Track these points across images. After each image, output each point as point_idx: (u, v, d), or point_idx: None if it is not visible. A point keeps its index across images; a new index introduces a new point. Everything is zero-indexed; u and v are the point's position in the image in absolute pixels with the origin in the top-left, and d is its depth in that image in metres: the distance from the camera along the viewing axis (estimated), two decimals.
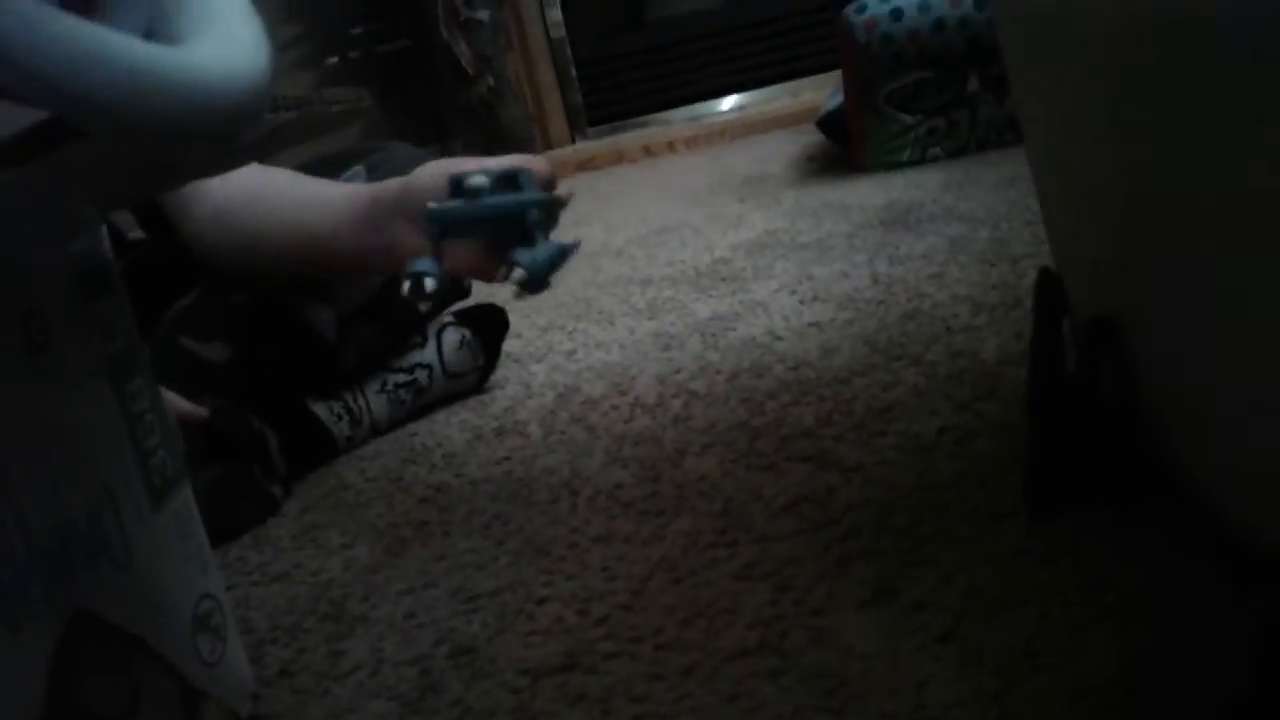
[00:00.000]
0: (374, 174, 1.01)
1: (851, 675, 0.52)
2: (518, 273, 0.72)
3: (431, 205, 0.75)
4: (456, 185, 0.75)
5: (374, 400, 1.03)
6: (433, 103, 2.92)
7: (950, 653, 0.52)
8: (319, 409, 0.99)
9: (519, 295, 0.73)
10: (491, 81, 2.89)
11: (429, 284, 0.73)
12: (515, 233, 0.74)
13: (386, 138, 1.10)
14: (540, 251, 0.73)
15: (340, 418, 1.00)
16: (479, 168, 0.77)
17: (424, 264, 0.73)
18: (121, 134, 0.32)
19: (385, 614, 0.68)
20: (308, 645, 0.66)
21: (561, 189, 0.80)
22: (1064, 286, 0.70)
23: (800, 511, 0.70)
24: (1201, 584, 0.52)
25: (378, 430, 1.03)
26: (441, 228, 0.75)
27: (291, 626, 0.69)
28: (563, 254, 0.74)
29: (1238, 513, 0.52)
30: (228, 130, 0.34)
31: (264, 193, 0.95)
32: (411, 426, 1.04)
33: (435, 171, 0.81)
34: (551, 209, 0.75)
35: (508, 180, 0.74)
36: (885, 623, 0.55)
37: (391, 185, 0.85)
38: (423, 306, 0.76)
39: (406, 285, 0.73)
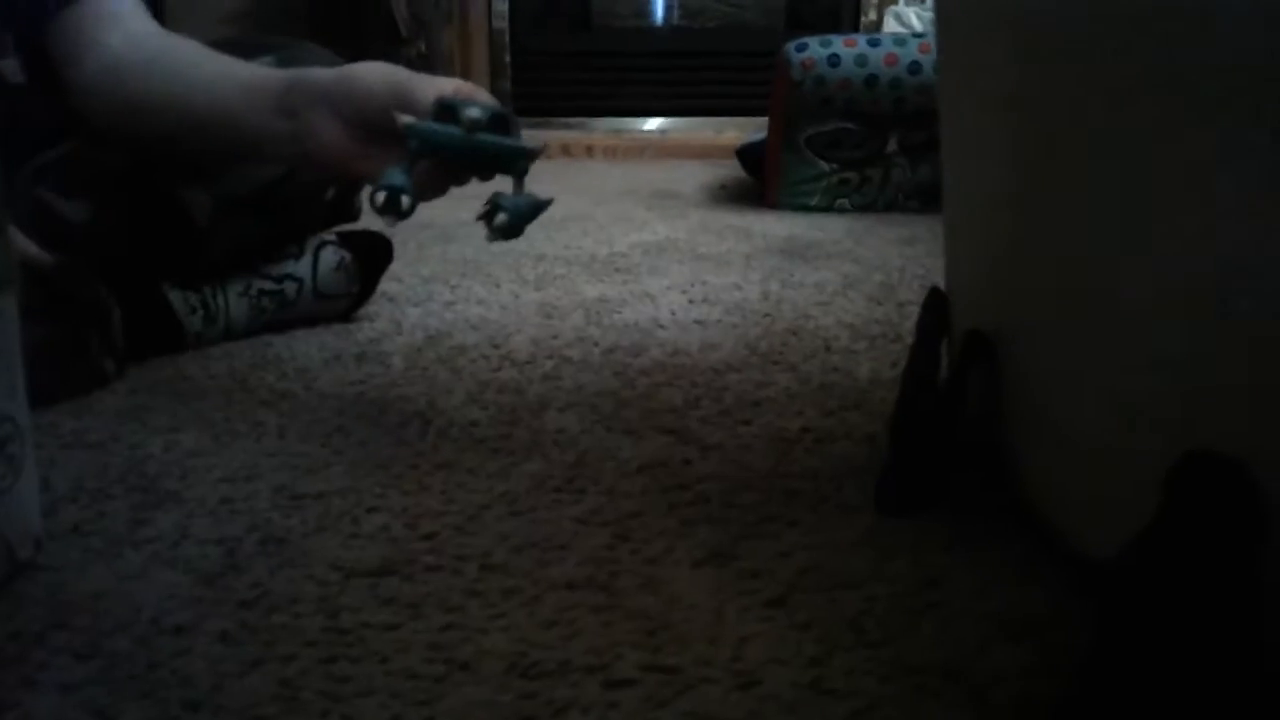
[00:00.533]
0: (284, 67, 0.96)
1: (675, 621, 0.50)
2: (500, 217, 0.68)
3: (412, 122, 0.68)
4: (447, 110, 0.68)
5: (234, 301, 0.97)
6: (357, 55, 2.85)
7: (778, 616, 0.51)
8: (174, 296, 0.94)
9: (492, 239, 0.70)
10: (423, 48, 2.84)
11: (404, 202, 0.67)
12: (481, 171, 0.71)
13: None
14: (522, 200, 0.70)
15: (194, 310, 0.95)
16: (437, 90, 0.70)
17: (398, 178, 0.67)
18: None
19: (199, 495, 0.64)
20: (108, 510, 0.62)
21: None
22: (949, 307, 0.71)
23: (652, 474, 0.68)
24: (1039, 591, 0.52)
25: (232, 333, 0.98)
26: (423, 146, 0.68)
27: (95, 491, 0.64)
28: (539, 207, 0.71)
29: (1072, 524, 0.53)
30: None
31: (164, 59, 0.89)
32: (267, 336, 0.99)
33: (377, 74, 0.74)
34: (537, 157, 0.71)
35: (499, 120, 0.69)
36: (718, 582, 0.54)
37: (318, 74, 0.78)
38: (389, 223, 0.69)
39: (381, 198, 0.67)
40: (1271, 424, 0.39)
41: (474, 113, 0.67)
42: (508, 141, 0.69)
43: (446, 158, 0.70)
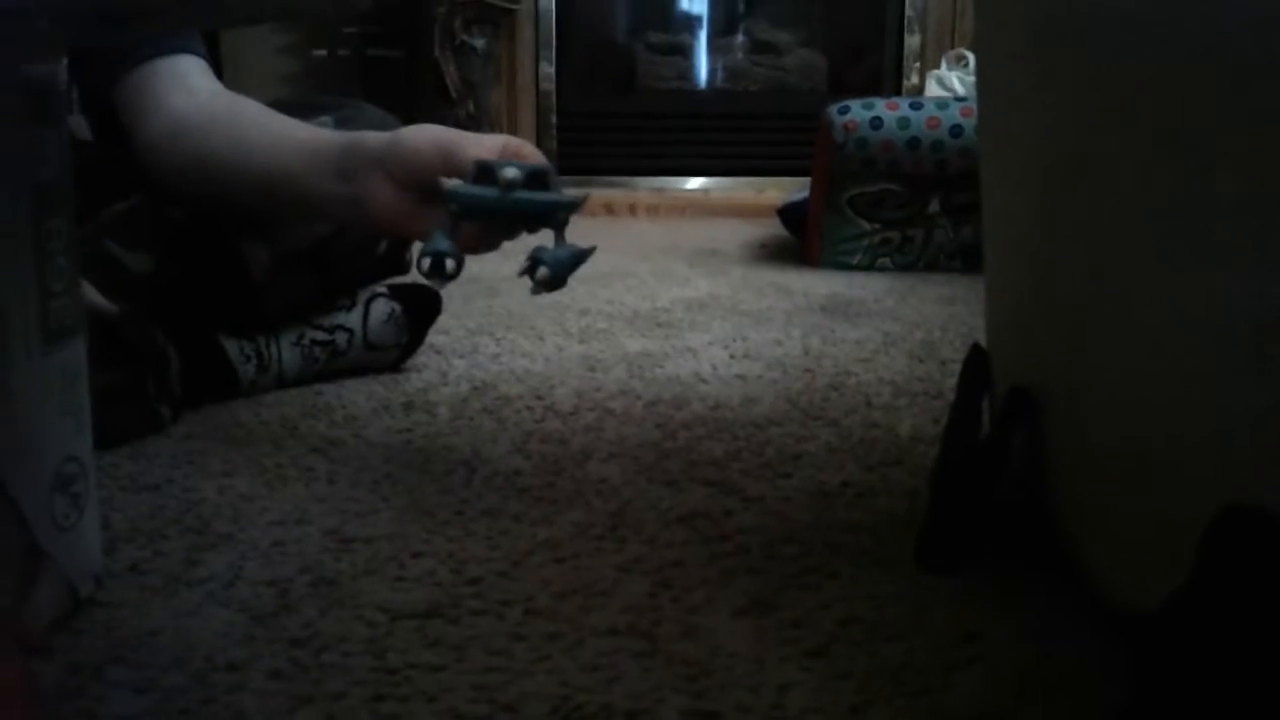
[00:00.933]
0: (341, 127, 1.00)
1: (716, 669, 0.51)
2: (542, 271, 0.71)
3: (452, 185, 0.70)
4: (485, 172, 0.71)
5: (287, 351, 1.00)
6: (410, 115, 2.92)
7: (818, 666, 0.51)
8: (229, 345, 0.96)
9: (536, 292, 0.72)
10: (472, 108, 2.90)
11: (449, 266, 0.70)
12: (523, 227, 0.74)
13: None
14: (563, 252, 0.72)
15: (249, 359, 0.97)
16: (482, 149, 0.73)
17: (443, 244, 0.70)
18: None
19: (252, 538, 0.66)
20: (165, 550, 0.63)
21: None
22: (990, 363, 0.72)
23: (693, 524, 0.69)
24: (1078, 647, 0.53)
25: (284, 382, 1.00)
26: (462, 209, 0.71)
27: (152, 531, 0.66)
28: (581, 257, 0.73)
29: (1113, 580, 0.53)
30: None
31: (227, 119, 0.93)
32: (318, 385, 1.01)
33: (426, 137, 0.77)
34: (576, 209, 0.73)
35: (536, 178, 0.71)
36: (759, 631, 0.55)
37: (372, 138, 0.81)
38: (436, 285, 0.72)
39: (426, 264, 0.70)
40: None
41: (510, 173, 0.69)
42: (544, 197, 0.71)
43: (486, 218, 0.72)
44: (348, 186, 0.80)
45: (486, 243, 0.75)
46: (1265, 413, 0.41)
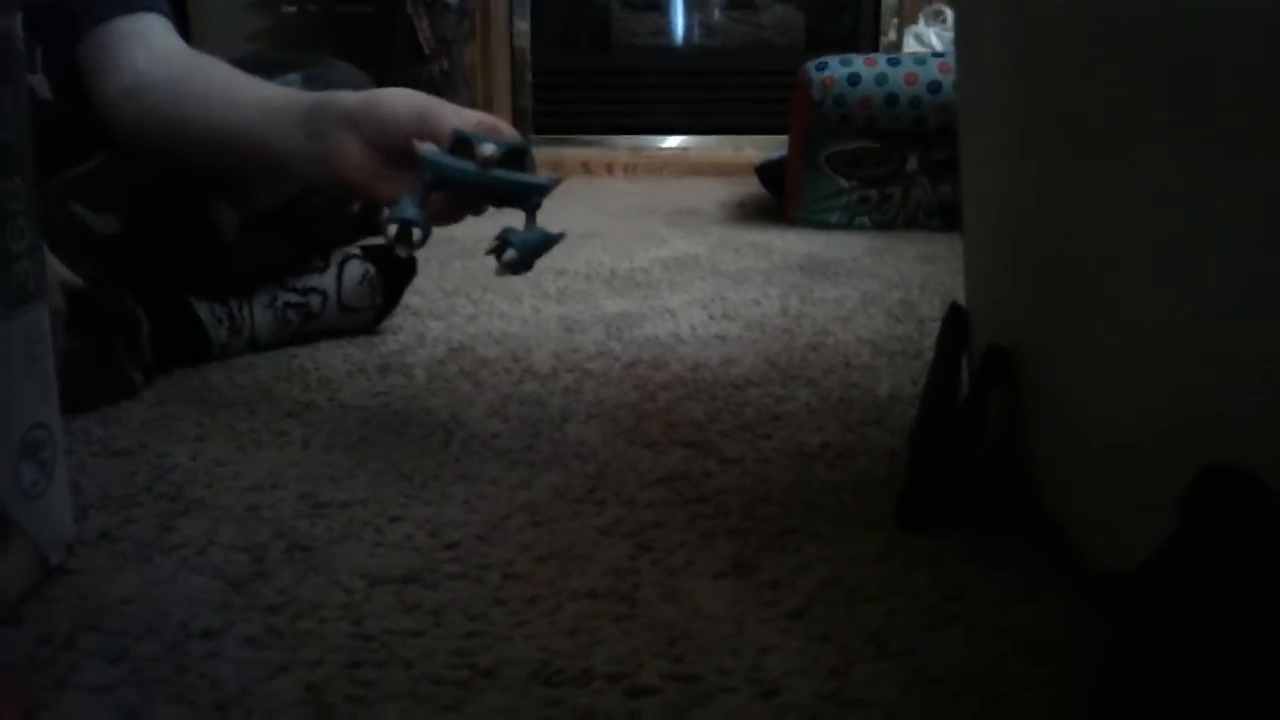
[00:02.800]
0: (310, 85, 0.97)
1: (695, 631, 0.51)
2: (510, 254, 0.70)
3: (428, 151, 0.69)
4: (462, 143, 0.69)
5: (259, 313, 0.99)
6: (382, 73, 2.88)
7: (798, 628, 0.51)
8: (200, 308, 0.95)
9: (501, 273, 0.71)
10: (446, 65, 2.86)
11: (416, 235, 0.69)
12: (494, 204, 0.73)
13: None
14: (532, 235, 0.71)
15: (221, 322, 0.96)
16: (461, 121, 0.72)
17: (410, 211, 0.69)
18: None
19: (226, 503, 0.65)
20: (136, 517, 0.62)
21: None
22: (969, 322, 0.71)
23: (673, 486, 0.68)
24: (1058, 605, 0.53)
25: (257, 345, 0.99)
26: (436, 179, 0.69)
27: (123, 498, 0.65)
28: (549, 242, 0.72)
29: (1092, 539, 0.53)
30: None
31: (191, 77, 0.90)
32: (292, 349, 1.00)
33: (403, 100, 0.75)
34: (549, 192, 0.71)
35: (513, 155, 0.70)
36: (739, 593, 0.54)
37: (346, 96, 0.79)
38: (401, 252, 0.71)
39: (393, 230, 0.69)
40: None
41: (489, 148, 0.68)
42: (520, 178, 0.70)
43: (458, 191, 0.71)
44: (316, 145, 0.78)
45: (453, 215, 0.74)
46: (1243, 369, 0.41)
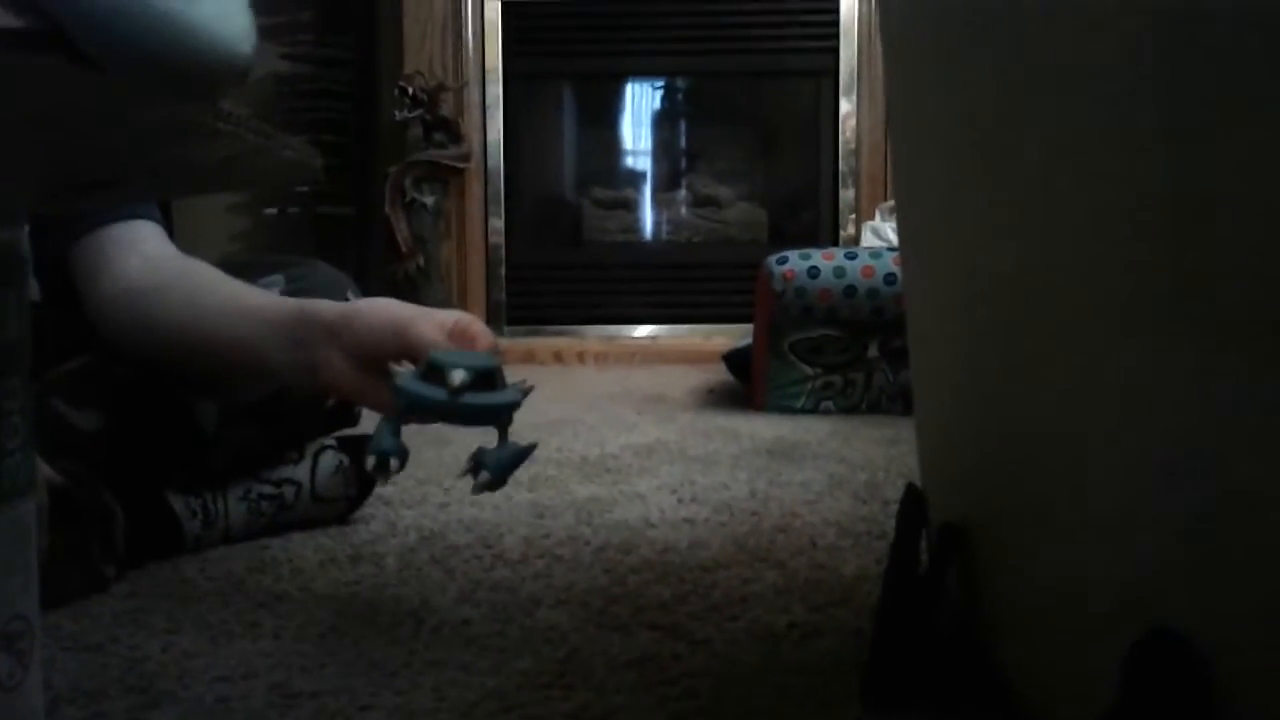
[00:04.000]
0: (292, 285, 1.02)
1: None
2: (484, 475, 0.74)
3: (402, 380, 0.72)
4: (435, 370, 0.72)
5: (234, 506, 1.00)
6: (361, 270, 2.98)
7: None
8: (175, 502, 0.96)
9: (477, 492, 0.75)
10: (421, 262, 2.96)
11: (393, 465, 0.73)
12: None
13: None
14: (504, 453, 0.74)
15: (195, 515, 0.97)
16: (436, 329, 0.76)
17: (388, 443, 0.73)
18: (141, 66, 0.33)
19: (196, 695, 0.65)
20: (106, 710, 0.63)
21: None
22: (926, 502, 0.74)
23: (642, 669, 0.69)
24: None
25: (230, 537, 1.00)
26: (409, 407, 0.73)
27: (94, 691, 0.65)
28: (521, 455, 0.76)
29: (1051, 708, 0.54)
30: (222, 73, 0.35)
31: (180, 283, 0.95)
32: (265, 540, 1.01)
33: (379, 313, 0.79)
34: (518, 407, 0.75)
35: (486, 376, 0.73)
36: None
37: (326, 307, 0.83)
38: (380, 482, 0.75)
39: (370, 462, 0.73)
40: (1223, 603, 0.42)
41: (459, 376, 0.71)
42: (490, 400, 0.73)
43: (431, 418, 0.75)
44: (301, 354, 0.82)
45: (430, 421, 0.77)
46: (1180, 542, 0.44)
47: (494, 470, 0.74)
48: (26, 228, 0.54)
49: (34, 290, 1.03)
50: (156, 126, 0.36)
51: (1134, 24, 0.42)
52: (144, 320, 0.93)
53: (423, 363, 0.73)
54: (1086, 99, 0.46)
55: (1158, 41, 0.40)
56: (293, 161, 0.49)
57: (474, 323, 0.79)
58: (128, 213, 0.97)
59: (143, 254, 0.96)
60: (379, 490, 1.15)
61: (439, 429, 0.83)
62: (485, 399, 0.73)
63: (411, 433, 0.74)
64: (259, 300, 0.89)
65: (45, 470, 0.82)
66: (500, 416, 0.74)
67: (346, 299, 1.04)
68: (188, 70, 0.34)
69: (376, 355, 0.77)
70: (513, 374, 0.77)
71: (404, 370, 0.73)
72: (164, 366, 0.94)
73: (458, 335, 0.77)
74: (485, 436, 0.75)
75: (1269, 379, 0.37)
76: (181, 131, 0.37)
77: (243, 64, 0.36)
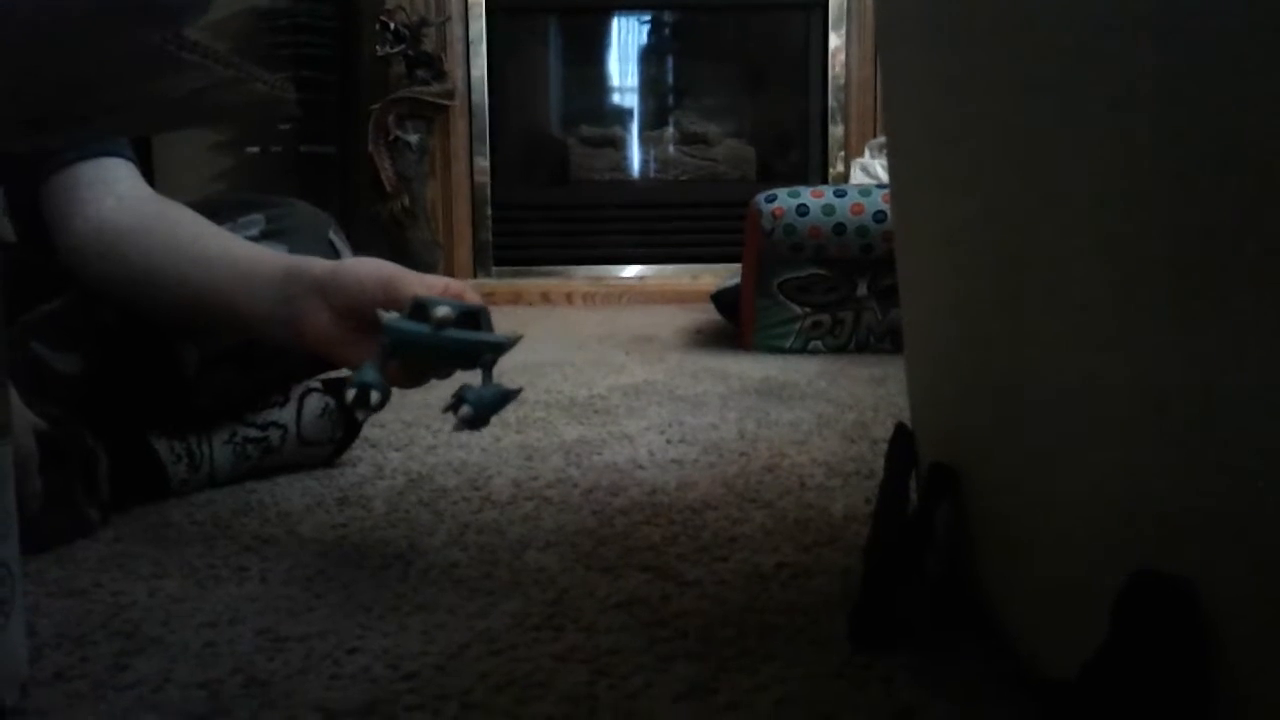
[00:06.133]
0: (272, 225, 1.01)
1: None
2: (465, 410, 0.72)
3: (388, 318, 0.73)
4: (420, 308, 0.73)
5: (219, 450, 0.99)
6: (345, 210, 2.94)
7: None
8: (159, 445, 0.95)
9: (458, 428, 0.73)
10: (407, 201, 2.93)
11: (374, 398, 0.72)
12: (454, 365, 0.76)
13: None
14: (487, 391, 0.73)
15: (179, 459, 0.96)
16: (422, 284, 0.75)
17: (370, 375, 0.72)
18: None
19: (182, 640, 0.65)
20: (91, 656, 0.62)
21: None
22: (915, 441, 0.74)
23: (631, 610, 0.69)
24: (1010, 717, 0.53)
25: (215, 481, 0.99)
26: (394, 343, 0.73)
27: (79, 637, 0.65)
28: (506, 397, 0.75)
29: (1039, 650, 0.54)
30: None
31: (159, 226, 0.92)
32: (250, 483, 1.00)
33: (369, 270, 0.78)
34: (505, 350, 0.74)
35: (469, 317, 0.73)
36: (697, 715, 0.55)
37: (315, 265, 0.82)
38: (360, 415, 0.74)
39: (351, 394, 0.72)
40: (1217, 542, 0.41)
41: (442, 310, 0.71)
42: (473, 336, 0.73)
43: (415, 352, 0.74)
44: (284, 310, 0.81)
45: (414, 377, 0.77)
46: (1167, 481, 0.43)
47: (475, 406, 0.72)
48: None
49: (8, 230, 1.01)
50: (118, 54, 0.35)
51: None
52: (120, 264, 0.90)
53: (408, 306, 0.73)
54: (1073, 41, 0.44)
55: None
56: (265, 95, 0.47)
57: (466, 287, 0.78)
58: (99, 150, 0.94)
59: (117, 194, 0.93)
60: (366, 433, 1.14)
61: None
62: (469, 335, 0.73)
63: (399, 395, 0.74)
64: (247, 252, 0.87)
65: (27, 415, 0.81)
66: (484, 354, 0.73)
67: (328, 239, 1.03)
68: None
69: (362, 311, 0.76)
70: (500, 316, 0.76)
71: (391, 313, 0.73)
72: (141, 311, 0.92)
73: (448, 296, 0.76)
74: (473, 379, 0.74)
75: (1260, 311, 0.36)
76: (145, 61, 0.35)
77: None
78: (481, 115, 3.13)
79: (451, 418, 0.73)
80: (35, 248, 0.96)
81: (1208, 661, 0.39)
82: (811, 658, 0.62)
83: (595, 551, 0.81)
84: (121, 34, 0.33)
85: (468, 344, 0.73)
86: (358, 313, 0.77)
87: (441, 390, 0.79)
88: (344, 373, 1.09)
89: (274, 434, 1.03)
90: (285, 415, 1.04)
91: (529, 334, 0.76)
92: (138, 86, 0.40)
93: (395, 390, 0.75)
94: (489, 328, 0.75)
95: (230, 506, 0.93)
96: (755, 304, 1.92)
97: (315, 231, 1.04)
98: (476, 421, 0.73)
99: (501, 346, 0.74)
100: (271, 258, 0.86)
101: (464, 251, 3.14)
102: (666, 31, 3.47)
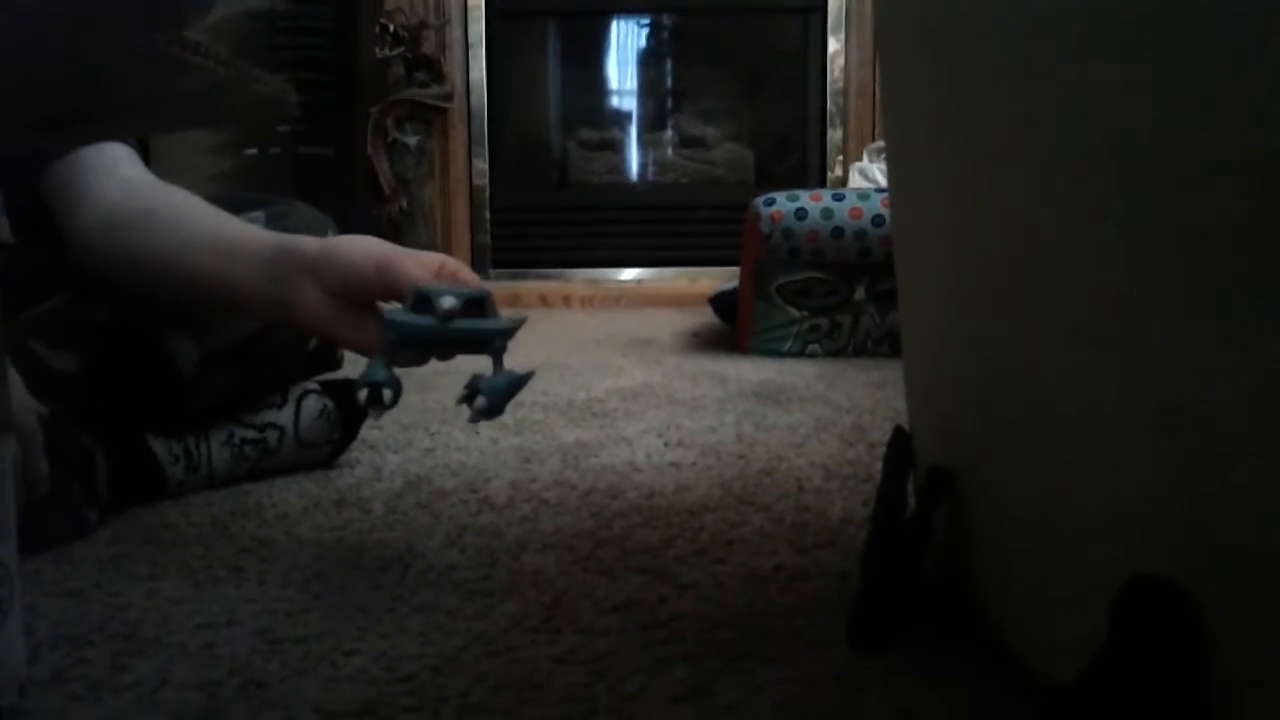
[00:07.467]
0: (273, 225, 1.00)
1: None
2: (480, 401, 0.72)
3: (391, 313, 0.72)
4: (423, 300, 0.71)
5: (217, 450, 0.99)
6: (343, 212, 2.94)
7: None
8: (157, 445, 0.95)
9: (474, 420, 0.73)
10: (405, 204, 2.93)
11: (387, 396, 0.71)
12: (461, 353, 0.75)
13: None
14: (500, 380, 0.73)
15: (177, 459, 0.96)
16: (420, 268, 0.75)
17: (380, 374, 0.71)
18: None
19: (180, 641, 0.64)
20: (89, 657, 0.62)
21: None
22: (913, 444, 0.74)
23: (629, 613, 0.69)
24: None
25: (213, 482, 0.99)
26: (400, 338, 0.72)
27: (76, 638, 0.65)
28: (518, 383, 0.74)
29: (1037, 653, 0.54)
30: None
31: (163, 210, 0.92)
32: (248, 485, 1.00)
33: (362, 251, 0.77)
34: (514, 334, 0.74)
35: (474, 304, 0.72)
36: (695, 717, 0.55)
37: (307, 243, 0.81)
38: (374, 415, 0.73)
39: (363, 395, 0.71)
40: (1216, 544, 0.41)
41: (448, 302, 0.70)
42: (482, 325, 0.72)
43: (423, 347, 0.73)
44: (277, 289, 0.80)
45: (418, 360, 0.76)
46: (1166, 483, 0.43)
47: (491, 395, 0.71)
48: None
49: (4, 230, 1.01)
50: (120, 57, 0.35)
51: None
52: (126, 249, 0.89)
53: (410, 296, 0.72)
54: (1075, 30, 0.44)
55: None
56: (266, 96, 0.47)
57: (461, 266, 0.78)
58: None
59: (119, 178, 0.93)
60: (364, 435, 1.14)
61: (424, 375, 0.82)
62: (477, 323, 0.72)
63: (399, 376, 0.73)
64: (239, 232, 0.87)
65: (30, 399, 0.81)
66: (494, 341, 0.72)
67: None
68: None
69: (357, 292, 0.76)
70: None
71: (392, 306, 0.72)
72: (142, 297, 0.92)
73: (444, 276, 0.76)
74: (482, 367, 0.73)
75: (1260, 311, 0.36)
76: (148, 63, 0.35)
77: None
78: (480, 118, 3.13)
79: (466, 410, 0.73)
80: (35, 243, 0.96)
81: (1206, 664, 0.39)
82: (809, 660, 0.62)
83: (593, 554, 0.81)
84: (123, 36, 0.33)
85: (477, 334, 0.72)
86: (351, 293, 0.76)
87: (441, 391, 0.79)
88: (344, 373, 1.10)
89: (272, 435, 1.03)
90: (283, 416, 1.04)
91: (527, 337, 0.76)
92: (140, 88, 0.40)
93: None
94: (494, 311, 0.74)
95: (228, 508, 0.93)
96: (753, 307, 1.92)
97: (315, 231, 1.03)
98: (493, 411, 0.72)
99: (510, 332, 0.73)
100: (263, 236, 0.85)
101: (462, 254, 3.14)
102: (665, 35, 3.47)
